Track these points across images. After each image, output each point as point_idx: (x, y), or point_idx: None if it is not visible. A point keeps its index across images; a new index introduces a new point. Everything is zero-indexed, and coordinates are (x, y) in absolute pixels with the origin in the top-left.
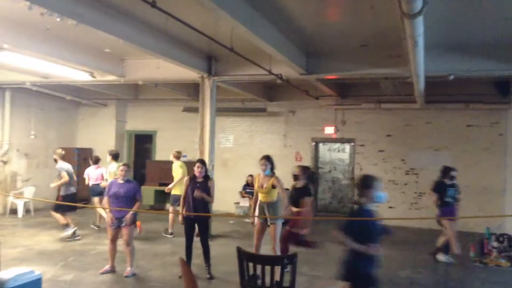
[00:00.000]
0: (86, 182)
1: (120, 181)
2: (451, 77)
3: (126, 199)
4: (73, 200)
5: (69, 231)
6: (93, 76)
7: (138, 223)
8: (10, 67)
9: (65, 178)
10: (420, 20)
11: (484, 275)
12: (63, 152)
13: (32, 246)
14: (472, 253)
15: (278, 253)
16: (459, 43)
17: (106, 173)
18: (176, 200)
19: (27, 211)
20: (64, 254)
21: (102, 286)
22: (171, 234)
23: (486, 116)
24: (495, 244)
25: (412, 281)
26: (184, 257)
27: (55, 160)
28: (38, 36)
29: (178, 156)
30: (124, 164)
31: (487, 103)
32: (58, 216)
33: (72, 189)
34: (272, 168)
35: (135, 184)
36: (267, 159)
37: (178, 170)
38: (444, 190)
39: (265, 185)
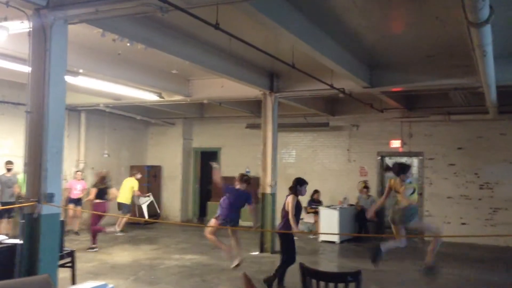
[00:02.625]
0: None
1: None
2: None
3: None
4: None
5: None
6: (161, 97)
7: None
8: (85, 91)
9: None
10: (488, 29)
11: None
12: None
13: (105, 260)
14: None
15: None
16: None
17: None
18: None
19: None
20: (135, 268)
21: None
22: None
23: None
24: None
25: None
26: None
27: (10, 170)
28: (110, 61)
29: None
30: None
31: None
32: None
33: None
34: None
35: None
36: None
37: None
38: None
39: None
